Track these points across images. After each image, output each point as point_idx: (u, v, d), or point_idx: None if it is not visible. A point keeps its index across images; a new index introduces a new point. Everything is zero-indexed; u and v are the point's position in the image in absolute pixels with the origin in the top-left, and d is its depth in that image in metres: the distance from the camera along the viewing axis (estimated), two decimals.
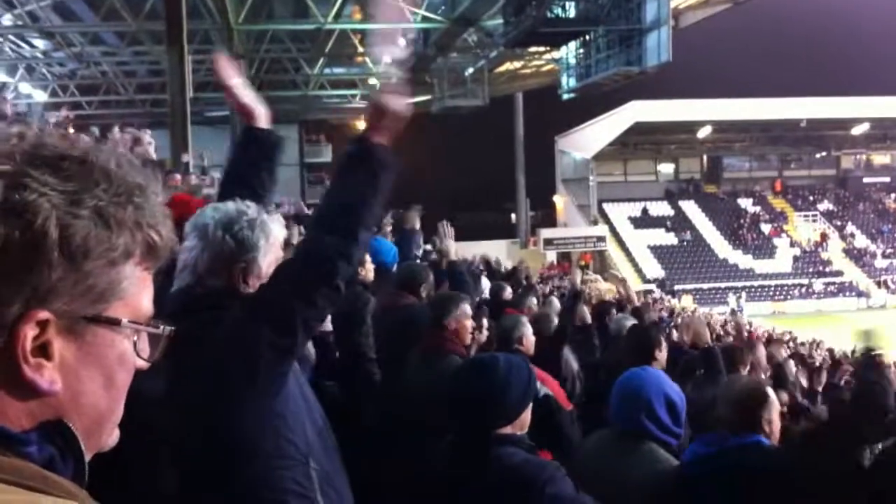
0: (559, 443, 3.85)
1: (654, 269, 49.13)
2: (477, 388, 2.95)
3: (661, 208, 54.84)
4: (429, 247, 7.93)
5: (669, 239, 52.05)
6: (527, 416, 2.98)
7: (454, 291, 5.01)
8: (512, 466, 2.80)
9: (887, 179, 58.56)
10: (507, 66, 40.01)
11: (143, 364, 1.02)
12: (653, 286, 43.78)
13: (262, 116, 3.03)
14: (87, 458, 0.97)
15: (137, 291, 0.99)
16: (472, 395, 2.95)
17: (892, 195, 57.30)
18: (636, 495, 3.27)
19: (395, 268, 6.42)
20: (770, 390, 3.45)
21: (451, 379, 3.16)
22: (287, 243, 2.66)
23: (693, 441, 3.50)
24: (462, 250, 9.71)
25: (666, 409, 3.44)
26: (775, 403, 3.39)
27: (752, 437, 3.26)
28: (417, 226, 7.42)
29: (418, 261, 7.47)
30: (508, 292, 8.47)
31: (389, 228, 9.50)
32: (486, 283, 9.80)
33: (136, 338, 0.99)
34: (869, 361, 3.82)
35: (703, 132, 53.76)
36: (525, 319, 5.64)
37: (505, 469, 2.80)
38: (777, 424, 3.36)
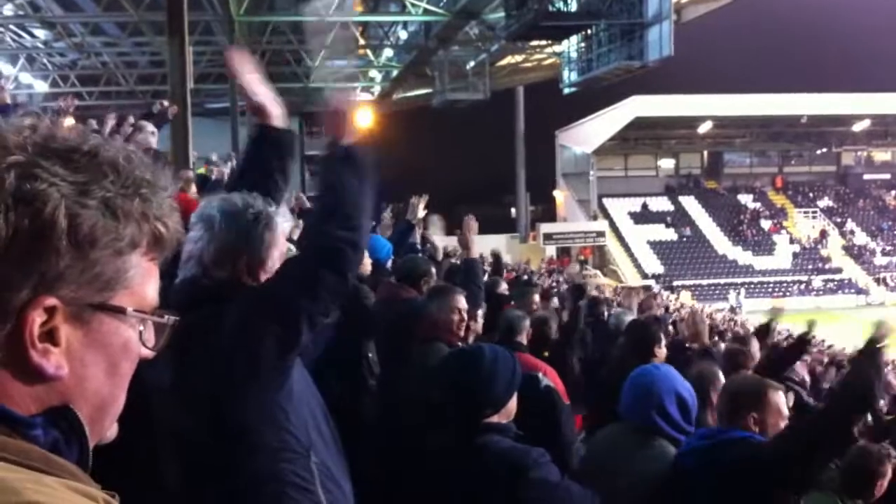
0: (556, 435, 3.87)
1: (654, 265, 49.17)
2: (463, 377, 3.02)
3: (661, 203, 54.85)
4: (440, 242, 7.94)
5: (669, 234, 52.08)
6: (512, 404, 3.04)
7: (447, 283, 5.03)
8: (498, 453, 2.87)
9: (888, 176, 58.57)
10: (509, 59, 40.00)
11: (147, 353, 1.04)
12: (652, 282, 43.79)
13: (277, 115, 2.97)
14: (91, 445, 0.98)
15: (143, 281, 1.01)
16: (459, 384, 3.02)
17: (893, 192, 57.30)
18: (646, 491, 3.30)
19: (389, 264, 6.46)
20: (773, 393, 3.43)
21: (438, 369, 3.20)
22: (289, 238, 2.67)
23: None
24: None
25: (677, 406, 3.46)
26: (774, 405, 3.38)
27: (742, 432, 3.29)
28: (434, 219, 7.46)
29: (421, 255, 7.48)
30: (504, 287, 8.47)
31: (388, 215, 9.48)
32: None
33: (141, 327, 1.01)
34: (869, 352, 3.76)
35: (704, 127, 53.81)
36: (525, 314, 5.67)
37: (492, 456, 2.87)
38: (773, 426, 3.35)
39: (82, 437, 0.96)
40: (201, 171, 11.76)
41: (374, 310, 4.61)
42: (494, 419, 2.96)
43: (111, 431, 1.04)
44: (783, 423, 3.38)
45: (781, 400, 3.45)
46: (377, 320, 4.52)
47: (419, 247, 8.64)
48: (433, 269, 5.33)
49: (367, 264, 5.54)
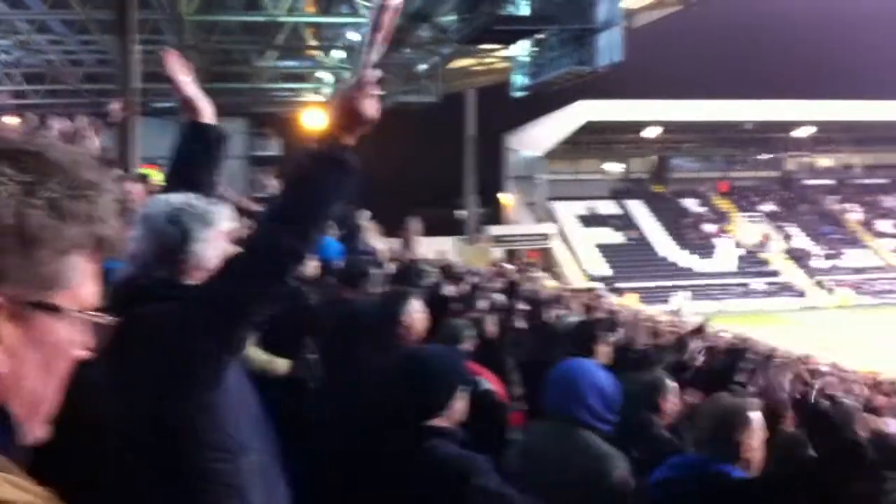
0: (497, 438, 3.90)
1: (601, 268, 49.57)
2: (407, 380, 3.02)
3: (609, 207, 55.41)
4: (380, 245, 7.96)
5: (617, 238, 52.62)
6: (458, 408, 3.03)
7: (404, 287, 5.04)
8: (442, 458, 2.86)
9: (830, 182, 59.85)
10: (460, 62, 40.02)
11: (84, 353, 1.05)
12: (600, 284, 44.12)
13: (207, 112, 3.07)
14: (22, 443, 0.99)
15: (84, 282, 1.02)
16: (405, 387, 3.01)
17: (835, 198, 58.53)
18: (571, 482, 3.33)
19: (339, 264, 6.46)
20: (752, 413, 3.39)
21: (385, 372, 3.21)
22: (234, 237, 2.67)
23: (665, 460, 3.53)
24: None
25: (597, 397, 3.50)
26: (756, 427, 3.35)
27: (721, 464, 3.27)
28: (364, 223, 7.46)
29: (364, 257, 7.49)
30: (448, 289, 8.48)
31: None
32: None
33: (79, 327, 1.02)
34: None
35: (652, 132, 54.44)
36: (468, 321, 5.69)
37: (435, 461, 2.85)
38: (757, 450, 3.33)
39: (15, 435, 0.97)
40: (145, 171, 11.64)
41: (317, 310, 4.62)
42: (439, 423, 2.95)
43: (42, 431, 1.03)
44: (761, 443, 3.36)
45: (760, 418, 3.42)
46: (319, 321, 4.52)
47: (368, 249, 8.65)
48: (373, 271, 5.36)
49: (313, 267, 5.55)
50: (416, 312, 4.30)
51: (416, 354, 3.14)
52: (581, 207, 54.52)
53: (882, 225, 56.46)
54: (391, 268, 6.25)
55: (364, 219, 7.67)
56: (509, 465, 3.34)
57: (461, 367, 3.11)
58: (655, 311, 32.69)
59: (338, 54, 35.71)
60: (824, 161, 61.53)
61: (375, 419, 3.18)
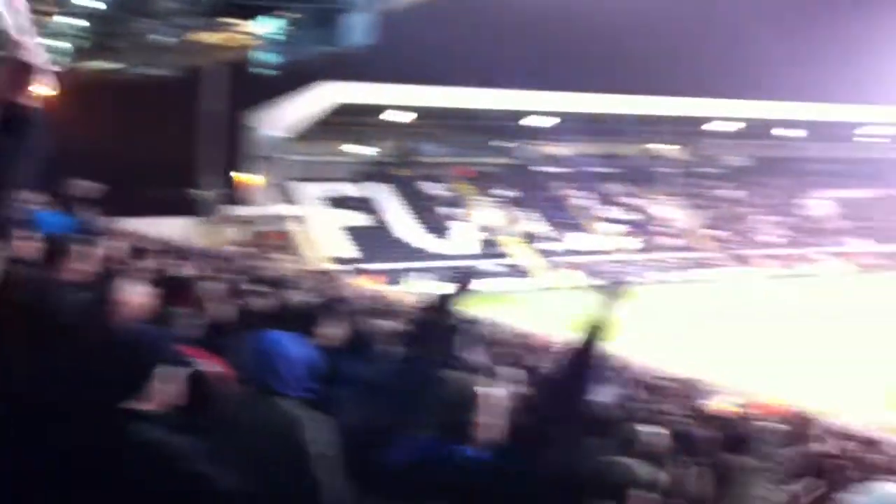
0: (213, 418, 3.82)
1: (348, 250, 50.02)
2: (105, 362, 2.90)
3: (355, 190, 56.10)
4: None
5: (362, 220, 53.30)
6: (166, 390, 2.93)
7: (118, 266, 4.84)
8: (145, 443, 2.76)
9: (566, 170, 63.77)
10: (204, 36, 38.79)
11: None
12: (346, 266, 44.49)
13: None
14: None
15: None
16: (102, 369, 2.89)
17: (570, 185, 62.59)
18: (270, 449, 3.36)
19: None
20: (484, 390, 3.38)
21: (87, 355, 3.07)
22: None
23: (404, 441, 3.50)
24: (146, 227, 9.39)
25: (287, 365, 3.60)
26: (490, 403, 3.33)
27: (455, 446, 3.25)
28: (87, 198, 7.08)
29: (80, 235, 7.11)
30: (180, 270, 8.23)
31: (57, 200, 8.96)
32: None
33: None
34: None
35: (402, 116, 55.57)
36: (186, 309, 5.53)
37: (138, 446, 2.75)
38: (493, 426, 3.31)
39: None
40: None
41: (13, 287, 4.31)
42: (142, 406, 2.83)
43: None
44: (498, 419, 3.35)
45: (496, 392, 3.42)
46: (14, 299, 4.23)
47: (91, 227, 8.23)
48: (76, 248, 5.10)
49: (33, 247, 5.18)
50: (130, 294, 4.12)
51: (115, 336, 3.00)
52: (328, 189, 54.76)
53: (612, 211, 61.38)
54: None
55: (87, 192, 7.26)
56: (219, 442, 3.27)
57: (165, 349, 3.01)
58: (397, 291, 33.39)
59: (75, 21, 33.64)
60: (563, 150, 65.36)
61: (76, 404, 2.98)
